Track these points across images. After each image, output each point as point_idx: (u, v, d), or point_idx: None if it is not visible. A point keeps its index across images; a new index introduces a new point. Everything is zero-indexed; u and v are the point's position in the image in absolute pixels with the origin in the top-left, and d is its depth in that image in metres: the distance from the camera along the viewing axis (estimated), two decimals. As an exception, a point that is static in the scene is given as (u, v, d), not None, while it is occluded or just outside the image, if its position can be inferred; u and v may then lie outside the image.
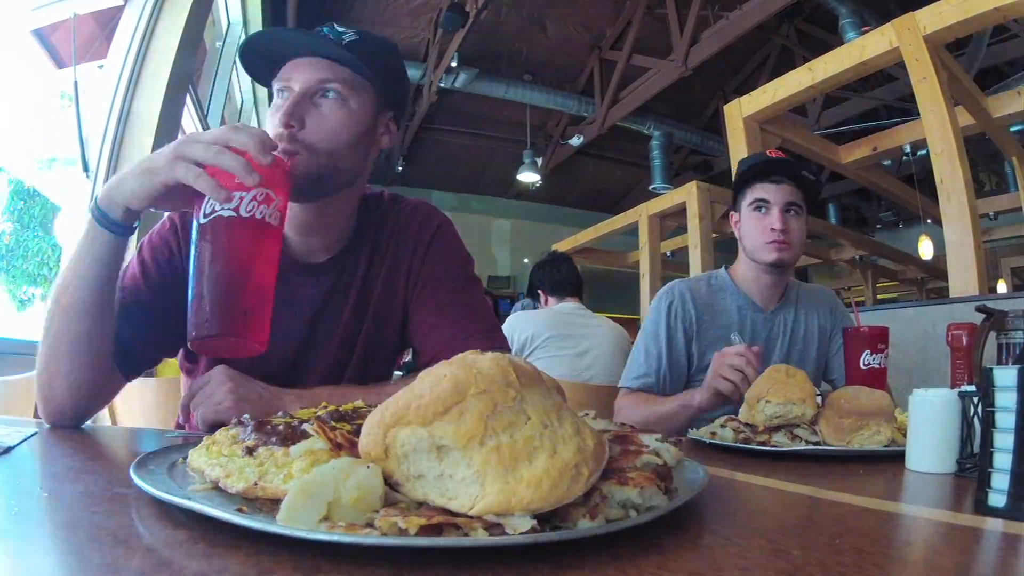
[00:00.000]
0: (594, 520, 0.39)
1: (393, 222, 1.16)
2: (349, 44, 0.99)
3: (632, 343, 2.78)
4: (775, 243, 1.57)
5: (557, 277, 2.95)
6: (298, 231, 1.08)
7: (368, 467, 0.40)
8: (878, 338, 1.29)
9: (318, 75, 0.98)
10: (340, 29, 1.02)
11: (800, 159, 1.76)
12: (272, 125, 0.97)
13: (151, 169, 0.81)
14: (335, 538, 0.36)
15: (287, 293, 1.08)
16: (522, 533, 0.37)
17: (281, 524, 0.37)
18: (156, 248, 1.05)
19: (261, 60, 1.02)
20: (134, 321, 0.97)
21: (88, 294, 0.87)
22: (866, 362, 1.28)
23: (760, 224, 1.60)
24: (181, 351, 1.12)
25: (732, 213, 1.72)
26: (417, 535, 0.36)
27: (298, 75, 0.98)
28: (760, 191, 1.61)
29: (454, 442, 0.39)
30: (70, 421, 0.93)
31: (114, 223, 0.85)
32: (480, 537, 0.37)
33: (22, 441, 0.72)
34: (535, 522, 0.37)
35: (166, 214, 1.09)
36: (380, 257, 1.14)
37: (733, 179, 1.75)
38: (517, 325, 2.78)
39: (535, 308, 3.16)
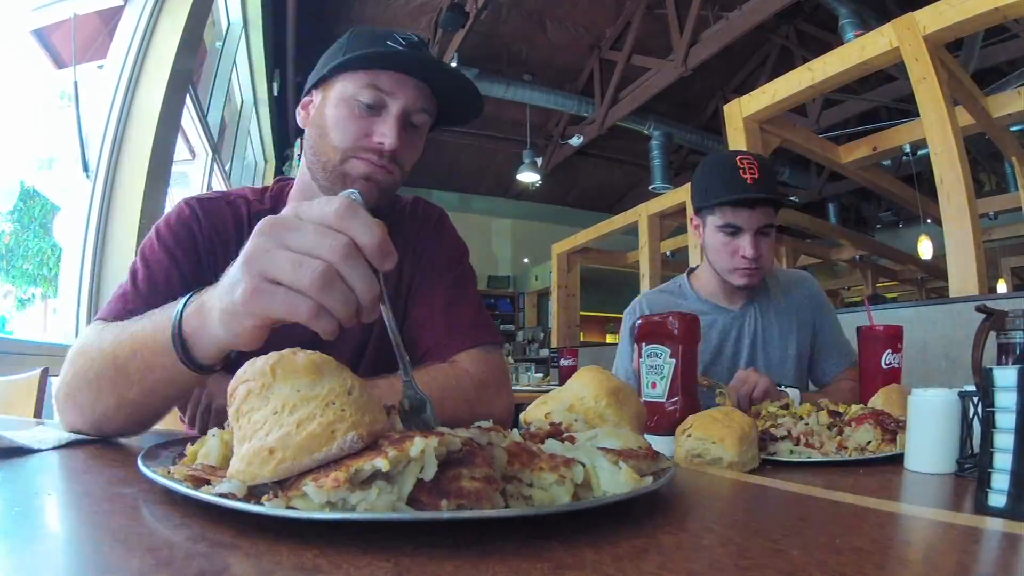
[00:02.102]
0: (283, 502, 0.42)
1: (395, 218, 1.17)
2: (448, 70, 1.02)
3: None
4: (746, 270, 1.49)
5: None
6: None
7: (214, 436, 0.54)
8: (897, 338, 1.30)
9: (418, 101, 1.02)
10: (433, 52, 1.04)
11: (773, 173, 1.56)
12: (357, 131, 0.99)
13: (233, 310, 0.58)
14: (330, 516, 0.36)
15: None
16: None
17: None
18: (177, 232, 1.02)
19: (360, 48, 1.00)
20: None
21: (160, 403, 0.76)
22: (887, 362, 1.29)
23: (729, 248, 1.49)
24: None
25: (694, 217, 1.59)
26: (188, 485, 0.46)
27: (400, 94, 1.00)
28: (732, 215, 1.46)
29: (231, 420, 0.48)
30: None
31: (198, 363, 0.68)
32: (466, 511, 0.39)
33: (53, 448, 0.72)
34: (233, 489, 0.43)
35: (182, 200, 1.08)
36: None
37: (693, 183, 1.59)
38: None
39: None
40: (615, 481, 0.49)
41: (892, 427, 0.96)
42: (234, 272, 0.57)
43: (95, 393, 0.76)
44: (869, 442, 0.95)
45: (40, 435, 0.76)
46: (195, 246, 1.02)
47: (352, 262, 0.52)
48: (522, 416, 0.72)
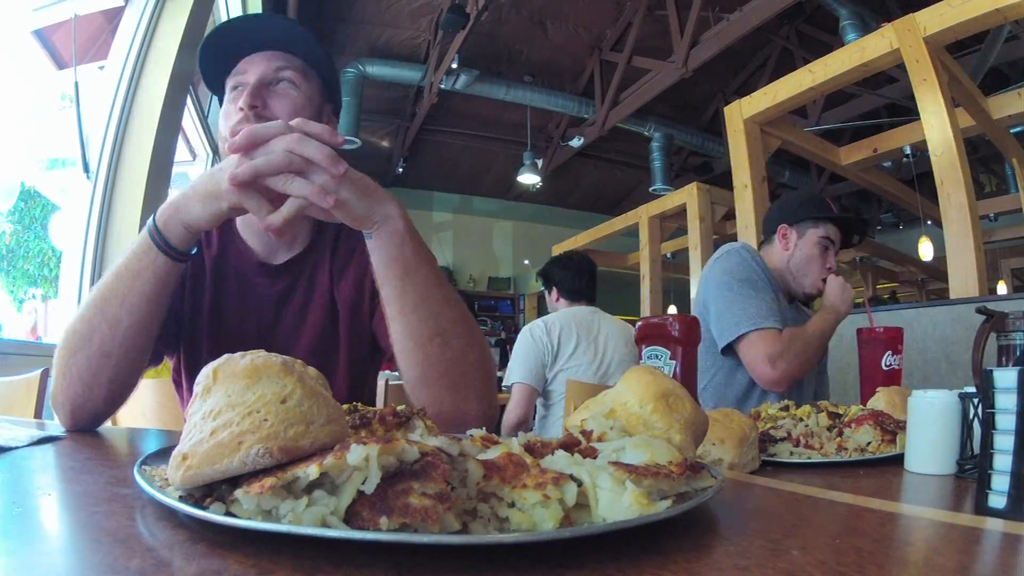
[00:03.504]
0: (223, 507, 0.41)
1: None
2: (301, 30, 1.06)
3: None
4: (824, 281, 1.75)
5: (576, 285, 2.88)
6: (261, 234, 1.11)
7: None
8: (896, 339, 1.31)
9: (273, 63, 1.04)
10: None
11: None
12: (229, 119, 1.02)
13: (215, 194, 0.81)
14: (333, 534, 0.36)
15: (243, 293, 1.10)
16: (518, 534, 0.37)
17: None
18: None
19: (217, 65, 1.06)
20: None
21: (146, 311, 0.88)
22: (888, 363, 1.31)
23: (820, 262, 1.77)
24: (173, 368, 1.14)
25: (784, 226, 1.83)
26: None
27: (253, 68, 1.04)
28: (832, 232, 1.79)
29: None
30: (93, 425, 0.94)
31: (173, 248, 0.86)
32: (478, 535, 0.38)
33: (28, 444, 0.72)
34: (176, 493, 0.43)
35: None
36: (346, 261, 1.14)
37: (796, 203, 1.88)
38: (551, 326, 2.70)
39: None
40: (616, 505, 0.42)
41: (892, 428, 0.97)
42: (214, 172, 0.81)
43: (89, 338, 0.87)
44: (869, 443, 0.95)
45: (9, 433, 0.75)
46: None
47: (302, 141, 0.75)
48: (564, 422, 0.67)
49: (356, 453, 0.38)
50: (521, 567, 0.37)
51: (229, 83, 1.06)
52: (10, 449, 0.69)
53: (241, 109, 0.99)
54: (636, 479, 0.43)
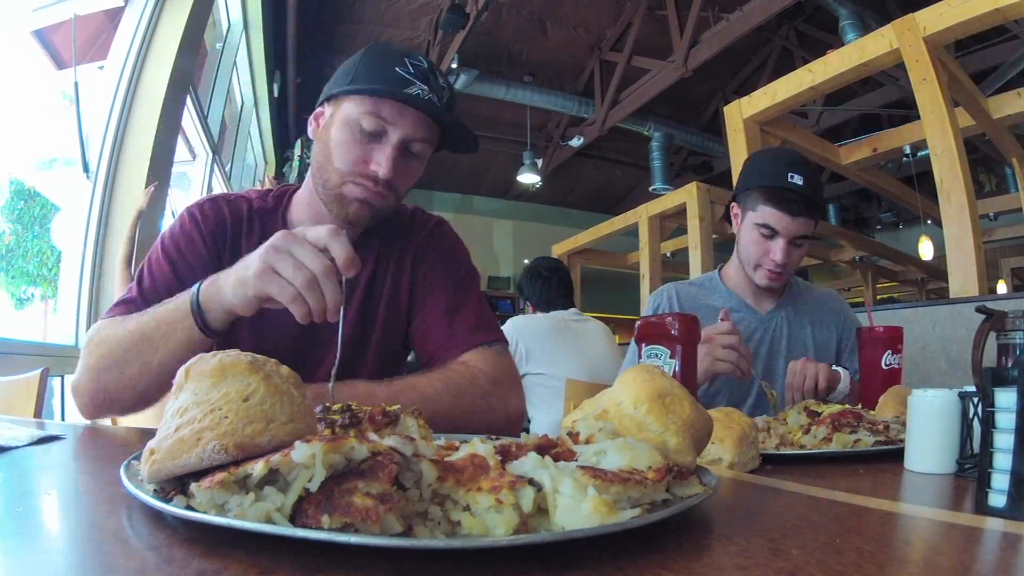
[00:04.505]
0: (169, 501, 0.42)
1: (396, 228, 1.20)
2: (448, 102, 1.05)
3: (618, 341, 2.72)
4: (771, 272, 1.51)
5: (546, 296, 2.88)
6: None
7: None
8: (897, 339, 1.31)
9: (417, 133, 1.03)
10: (440, 81, 1.04)
11: (818, 178, 1.55)
12: (355, 157, 1.02)
13: (244, 280, 0.82)
14: (336, 538, 0.36)
15: None
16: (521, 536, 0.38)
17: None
18: (179, 243, 1.08)
19: (371, 80, 1.02)
20: None
21: (174, 366, 0.90)
22: (888, 362, 1.31)
23: (761, 247, 1.51)
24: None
25: (734, 205, 1.59)
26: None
27: (401, 124, 1.02)
28: (771, 216, 1.47)
29: None
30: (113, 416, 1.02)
31: (207, 324, 0.88)
32: (478, 539, 0.38)
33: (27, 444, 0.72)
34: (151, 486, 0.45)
35: (184, 208, 1.15)
36: (386, 262, 1.17)
37: (742, 173, 1.60)
38: (519, 329, 2.74)
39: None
40: (575, 513, 0.39)
41: (841, 425, 0.98)
42: (252, 258, 0.82)
43: (121, 366, 0.92)
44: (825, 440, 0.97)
45: (10, 433, 0.75)
46: (195, 252, 1.08)
47: (328, 278, 0.77)
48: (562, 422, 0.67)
49: (301, 451, 0.38)
50: (523, 568, 0.37)
51: (365, 117, 1.01)
52: (10, 449, 0.69)
53: (374, 174, 1.01)
54: (602, 485, 0.41)
